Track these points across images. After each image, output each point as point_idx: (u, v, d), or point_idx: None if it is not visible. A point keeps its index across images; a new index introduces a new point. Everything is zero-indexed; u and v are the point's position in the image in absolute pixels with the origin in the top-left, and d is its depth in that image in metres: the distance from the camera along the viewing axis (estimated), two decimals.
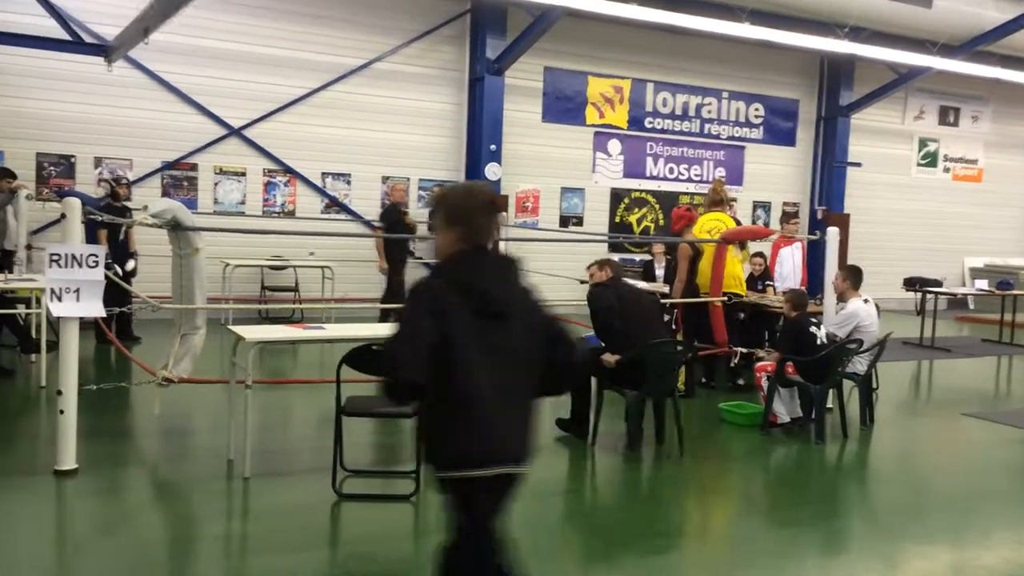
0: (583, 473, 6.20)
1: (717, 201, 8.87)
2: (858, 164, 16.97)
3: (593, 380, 6.52)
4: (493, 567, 2.85)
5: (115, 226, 8.89)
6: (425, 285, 2.78)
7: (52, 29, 10.42)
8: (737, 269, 8.56)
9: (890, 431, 7.70)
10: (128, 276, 9.82)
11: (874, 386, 8.37)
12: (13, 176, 9.59)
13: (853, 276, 7.86)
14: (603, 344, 6.53)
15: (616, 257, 14.75)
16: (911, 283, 13.16)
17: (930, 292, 12.90)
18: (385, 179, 13.26)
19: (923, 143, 18.19)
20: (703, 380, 8.73)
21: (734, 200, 16.00)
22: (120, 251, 9.71)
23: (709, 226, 8.56)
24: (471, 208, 2.84)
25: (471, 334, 2.70)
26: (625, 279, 7.02)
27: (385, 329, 6.77)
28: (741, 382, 8.64)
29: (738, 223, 9.26)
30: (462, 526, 2.81)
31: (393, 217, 11.66)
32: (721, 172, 15.98)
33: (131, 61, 11.31)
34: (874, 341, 7.55)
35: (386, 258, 11.12)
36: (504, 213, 12.87)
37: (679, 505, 5.64)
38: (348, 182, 13.03)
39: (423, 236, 11.63)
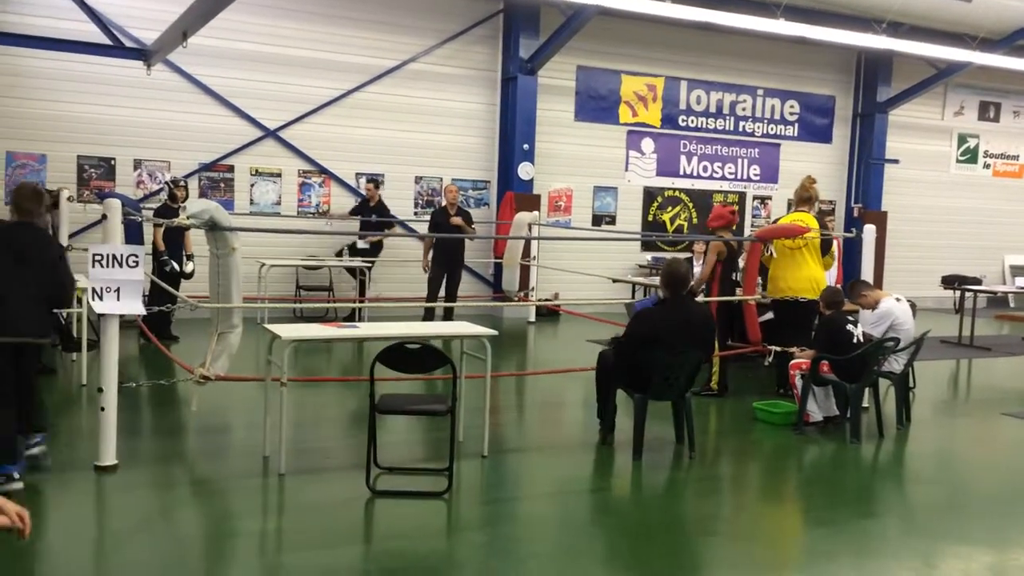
0: (609, 473, 6.20)
1: (805, 199, 8.52)
2: (896, 161, 16.75)
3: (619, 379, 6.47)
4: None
5: (172, 227, 9.15)
6: None
7: (93, 34, 10.62)
8: (816, 273, 8.22)
9: (927, 431, 7.60)
10: (187, 277, 10.07)
11: (911, 385, 8.27)
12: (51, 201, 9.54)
13: (867, 286, 7.79)
14: (623, 340, 6.47)
15: (649, 256, 14.75)
16: (950, 281, 12.96)
17: (969, 290, 12.70)
18: (418, 179, 13.34)
19: (963, 139, 17.89)
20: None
21: (768, 199, 16.00)
22: (178, 251, 10.00)
23: None
24: (21, 196, 5.25)
25: (4, 267, 4.97)
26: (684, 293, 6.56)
27: (420, 327, 6.82)
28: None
29: (822, 224, 9.00)
30: None
31: (437, 219, 11.78)
32: (756, 170, 15.88)
33: (170, 65, 11.48)
34: (910, 339, 7.46)
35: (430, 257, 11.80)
36: (537, 212, 12.95)
37: (711, 505, 5.61)
38: (382, 182, 13.09)
39: (470, 236, 11.81)
